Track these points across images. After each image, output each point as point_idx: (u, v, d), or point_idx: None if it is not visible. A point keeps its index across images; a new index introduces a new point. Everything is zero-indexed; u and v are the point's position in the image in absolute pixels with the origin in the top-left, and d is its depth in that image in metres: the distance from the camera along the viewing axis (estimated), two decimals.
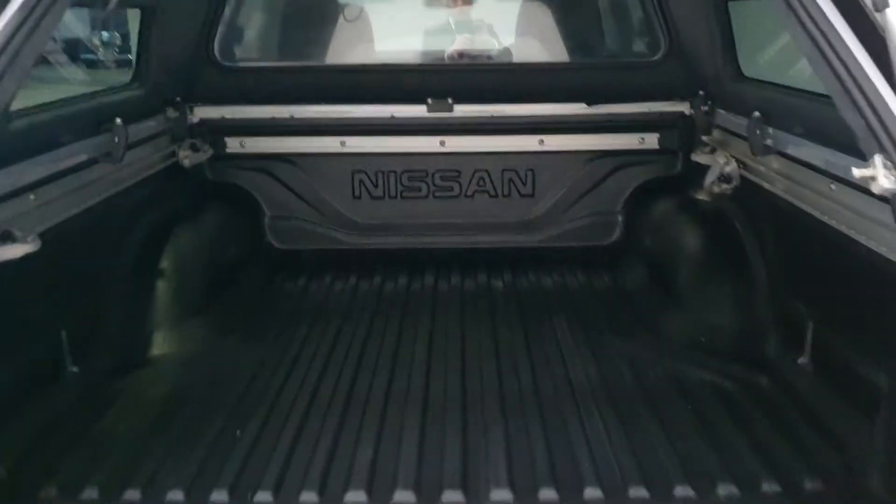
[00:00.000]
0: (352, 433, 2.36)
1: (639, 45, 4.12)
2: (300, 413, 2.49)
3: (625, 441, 2.30)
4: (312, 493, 2.08)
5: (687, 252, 3.31)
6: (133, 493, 2.07)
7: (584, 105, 3.65)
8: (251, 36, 4.18)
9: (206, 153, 3.65)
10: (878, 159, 1.78)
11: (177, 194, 3.46)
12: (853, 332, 2.31)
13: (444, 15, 4.34)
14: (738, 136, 3.06)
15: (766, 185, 2.83)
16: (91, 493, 2.08)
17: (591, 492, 2.07)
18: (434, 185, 3.81)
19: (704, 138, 3.44)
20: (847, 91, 1.79)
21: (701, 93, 3.48)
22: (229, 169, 3.78)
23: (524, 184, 3.82)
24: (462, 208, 3.82)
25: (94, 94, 3.11)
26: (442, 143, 3.76)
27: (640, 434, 2.33)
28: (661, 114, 3.67)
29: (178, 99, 3.52)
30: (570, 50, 4.09)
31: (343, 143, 3.75)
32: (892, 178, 1.76)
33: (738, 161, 3.10)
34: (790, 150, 2.61)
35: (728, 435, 2.33)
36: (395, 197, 3.81)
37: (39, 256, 2.08)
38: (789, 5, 1.90)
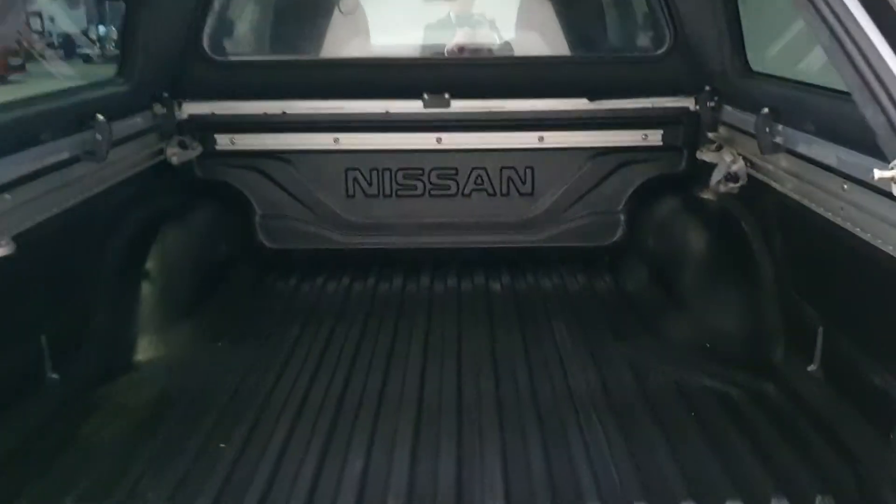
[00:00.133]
0: (342, 441, 2.29)
1: (643, 39, 4.04)
2: (289, 420, 2.42)
3: (625, 451, 2.22)
4: None
5: (691, 253, 3.22)
6: None
7: (585, 100, 3.57)
8: (242, 29, 4.09)
9: (195, 150, 3.57)
10: None
11: (164, 193, 3.37)
12: (865, 338, 2.24)
13: (442, 8, 4.25)
14: (746, 133, 2.97)
15: (775, 185, 2.75)
16: None
17: None
18: (430, 183, 3.73)
19: (710, 135, 3.36)
20: (868, 86, 1.69)
21: (707, 88, 3.39)
22: (219, 166, 3.69)
23: (523, 182, 3.73)
24: (459, 207, 3.73)
25: (76, 90, 3.01)
26: (438, 140, 3.67)
27: (642, 444, 2.26)
28: (666, 110, 3.59)
29: (166, 94, 3.43)
30: (572, 43, 4.02)
31: (336, 140, 3.66)
32: None
33: (745, 159, 3.02)
34: (800, 149, 2.53)
35: (734, 446, 2.26)
36: (390, 195, 3.72)
37: (17, 259, 2.01)
38: None
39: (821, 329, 2.46)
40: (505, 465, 2.16)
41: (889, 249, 1.98)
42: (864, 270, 2.18)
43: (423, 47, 4.19)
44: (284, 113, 3.59)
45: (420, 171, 3.72)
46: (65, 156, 2.59)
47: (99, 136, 2.71)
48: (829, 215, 2.33)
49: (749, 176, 3.00)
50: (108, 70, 3.39)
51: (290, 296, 3.51)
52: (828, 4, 1.73)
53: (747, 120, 2.92)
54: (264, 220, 3.74)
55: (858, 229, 2.16)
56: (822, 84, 2.53)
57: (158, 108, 3.40)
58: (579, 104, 3.57)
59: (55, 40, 21.67)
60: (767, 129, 2.67)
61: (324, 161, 3.70)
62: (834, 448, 2.20)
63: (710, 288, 3.05)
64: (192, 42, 3.60)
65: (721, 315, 2.93)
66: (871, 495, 2.00)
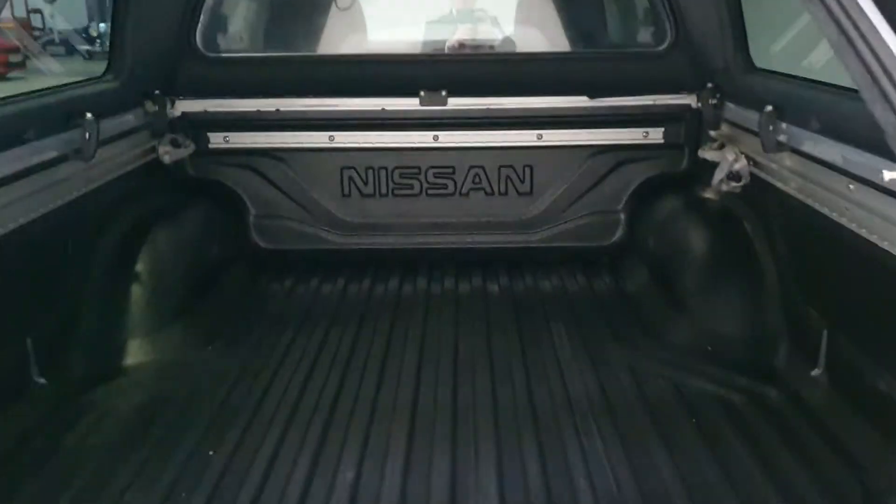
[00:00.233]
0: (334, 449, 2.24)
1: (644, 34, 3.97)
2: (280, 427, 2.37)
3: (624, 459, 2.17)
4: None
5: (692, 254, 3.16)
6: None
7: (585, 97, 3.51)
8: (235, 24, 4.03)
9: (188, 149, 3.51)
10: None
11: (156, 192, 3.31)
12: (871, 341, 2.18)
13: (440, 4, 4.19)
14: (749, 131, 2.91)
15: (778, 184, 2.69)
16: None
17: None
18: (427, 182, 3.66)
19: (712, 133, 3.30)
20: (877, 83, 1.62)
21: (709, 85, 3.33)
22: (212, 165, 3.63)
23: (522, 181, 3.67)
24: (456, 207, 3.67)
25: (63, 87, 2.94)
26: (435, 138, 3.60)
27: (641, 452, 2.20)
28: (667, 107, 3.52)
29: (158, 92, 3.36)
30: (572, 40, 3.97)
31: (332, 138, 3.60)
32: None
33: (748, 158, 2.96)
34: (805, 147, 2.47)
35: (735, 454, 2.20)
36: (386, 195, 3.66)
37: (1, 261, 1.94)
38: None
39: (825, 332, 2.40)
40: (500, 473, 2.11)
41: None
42: (869, 272, 2.12)
43: (420, 43, 4.13)
44: (279, 110, 3.53)
45: (417, 170, 3.65)
46: (51, 155, 2.54)
47: (87, 135, 2.65)
48: (833, 216, 2.27)
49: (752, 175, 2.94)
50: None
51: (284, 298, 3.45)
52: None
53: (750, 117, 2.86)
54: (258, 219, 3.68)
55: (864, 230, 2.11)
56: (827, 81, 2.48)
57: (150, 106, 3.34)
58: (579, 101, 3.51)
59: (56, 37, 21.68)
60: (771, 127, 2.61)
61: (319, 159, 3.63)
62: (838, 455, 2.15)
63: (712, 290, 2.99)
64: (185, 38, 3.53)
65: (723, 318, 2.88)
66: None
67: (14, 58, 17.41)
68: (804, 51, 3.29)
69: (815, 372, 2.43)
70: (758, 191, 2.89)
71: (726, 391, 2.53)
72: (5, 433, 2.24)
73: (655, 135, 3.58)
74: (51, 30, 22.25)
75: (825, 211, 2.33)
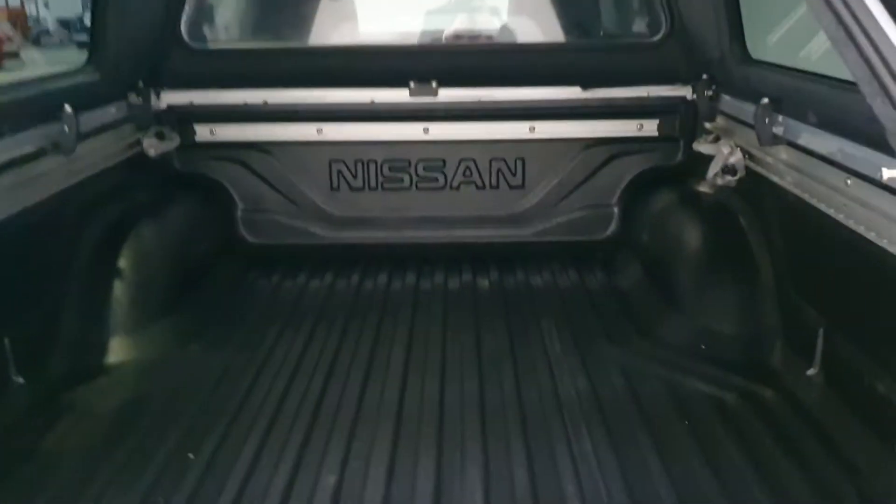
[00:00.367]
0: (316, 453, 2.18)
1: (638, 25, 3.92)
2: (262, 429, 2.31)
3: (615, 463, 2.12)
4: None
5: (686, 250, 3.10)
6: None
7: (578, 89, 3.44)
8: (222, 15, 3.96)
9: (174, 142, 3.44)
10: None
11: (140, 187, 3.24)
12: (868, 340, 2.13)
13: None
14: (745, 123, 2.86)
15: (774, 178, 2.64)
16: None
17: None
18: (417, 175, 3.60)
19: (708, 125, 3.25)
20: (876, 76, 1.56)
21: (704, 76, 3.28)
22: (198, 158, 3.57)
23: (514, 174, 3.61)
24: (447, 200, 3.61)
25: (42, 79, 2.87)
26: (425, 131, 3.54)
27: (632, 456, 2.15)
28: (662, 99, 3.46)
29: (142, 84, 3.29)
30: (565, 30, 3.89)
31: (320, 131, 3.53)
32: None
33: (743, 151, 2.90)
34: (801, 141, 2.42)
35: (729, 456, 2.15)
36: (376, 188, 3.60)
37: None
38: None
39: (821, 330, 2.36)
40: (487, 479, 2.06)
41: (894, 250, 1.87)
42: (866, 270, 2.07)
43: (410, 34, 4.05)
44: (266, 103, 3.47)
45: (406, 163, 3.59)
46: (29, 149, 2.47)
47: (65, 128, 2.58)
48: (830, 211, 2.22)
49: (748, 169, 2.89)
50: None
51: (270, 294, 3.39)
52: None
53: (746, 110, 2.81)
54: (246, 214, 3.62)
55: (862, 227, 2.06)
56: (825, 73, 2.42)
57: (134, 98, 3.27)
58: (572, 93, 3.44)
59: (49, 28, 21.56)
60: (767, 120, 2.56)
61: (307, 152, 3.57)
62: (834, 458, 2.10)
63: (706, 286, 2.93)
64: (170, 29, 3.46)
65: (717, 315, 2.83)
66: None
67: (8, 47, 17.28)
68: (802, 42, 3.23)
69: (811, 371, 2.39)
70: (753, 185, 2.84)
71: (720, 391, 2.49)
72: None
73: (650, 127, 3.52)
74: (45, 20, 22.12)
75: (822, 206, 2.27)
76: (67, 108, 2.59)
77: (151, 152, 3.32)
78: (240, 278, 3.50)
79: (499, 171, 3.61)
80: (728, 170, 2.93)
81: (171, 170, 3.51)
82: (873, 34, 1.56)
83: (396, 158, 3.58)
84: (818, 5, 1.65)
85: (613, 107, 3.49)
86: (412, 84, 3.42)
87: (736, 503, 1.95)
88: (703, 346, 2.76)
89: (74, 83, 3.00)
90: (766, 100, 2.57)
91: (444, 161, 3.59)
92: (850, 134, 2.10)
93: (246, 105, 3.47)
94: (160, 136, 3.37)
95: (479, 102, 3.47)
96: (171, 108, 3.45)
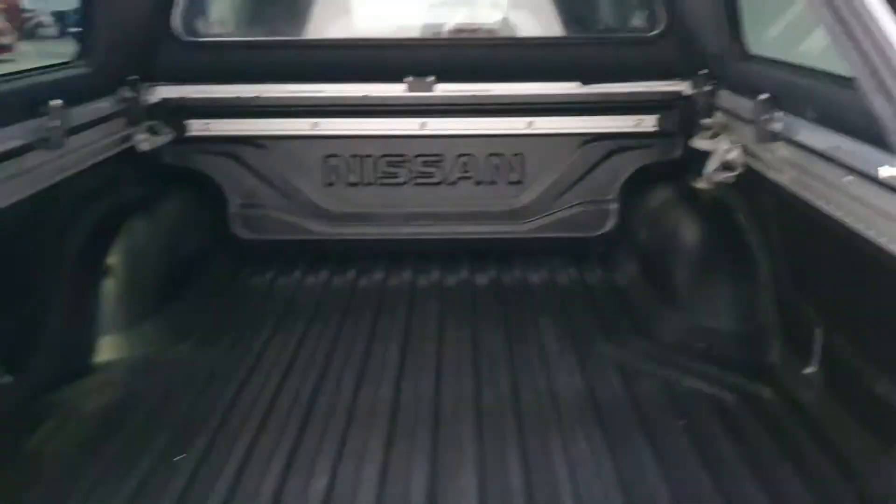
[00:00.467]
0: (307, 455, 2.15)
1: (637, 19, 3.88)
2: (252, 430, 2.28)
3: (611, 465, 2.10)
4: None
5: (684, 246, 3.07)
6: None
7: (576, 84, 3.41)
8: (215, 7, 3.90)
9: (167, 136, 3.40)
10: None
11: (132, 182, 3.21)
12: (867, 340, 2.11)
13: None
14: (743, 119, 2.82)
15: (772, 175, 2.61)
16: None
17: None
18: (414, 170, 3.57)
19: (706, 121, 3.20)
20: (875, 73, 1.52)
21: (703, 71, 3.25)
22: (192, 153, 3.53)
23: (512, 169, 3.58)
24: (444, 196, 3.58)
25: (31, 72, 2.83)
26: (423, 126, 3.51)
27: (628, 458, 2.12)
28: (660, 94, 3.44)
29: (134, 77, 3.25)
30: (563, 24, 3.84)
31: (315, 125, 3.50)
32: None
33: (741, 147, 2.87)
34: (800, 137, 2.39)
35: (726, 458, 2.13)
36: (372, 183, 3.57)
37: None
38: None
39: (819, 329, 2.33)
40: (481, 482, 2.03)
41: (894, 249, 1.84)
42: (865, 268, 2.04)
43: (406, 28, 4.01)
44: (260, 97, 3.43)
45: (403, 158, 3.56)
46: (16, 144, 2.43)
47: (54, 122, 2.54)
48: (829, 209, 2.19)
49: (746, 165, 2.85)
50: None
51: (265, 291, 3.36)
52: None
53: (745, 105, 2.78)
54: (239, 209, 3.59)
55: (861, 225, 2.02)
56: (824, 69, 2.38)
57: (125, 92, 3.23)
58: (570, 88, 3.42)
59: (46, 20, 21.41)
60: (765, 116, 2.53)
61: (302, 147, 3.54)
62: (832, 458, 2.08)
63: (703, 284, 2.91)
64: (162, 22, 3.42)
65: (714, 313, 2.81)
66: None
67: (2, 40, 17.17)
68: (801, 37, 3.19)
69: (809, 370, 2.36)
70: (751, 181, 2.81)
71: (718, 390, 2.47)
72: None
73: (648, 122, 3.50)
74: (41, 12, 21.98)
75: (820, 204, 2.24)
76: (56, 101, 2.55)
77: (144, 147, 3.27)
78: (233, 275, 3.47)
79: (497, 166, 3.58)
80: (726, 166, 2.91)
81: (163, 165, 3.47)
82: (872, 30, 1.53)
83: (393, 153, 3.55)
84: (817, 1, 1.62)
85: (611, 102, 3.46)
86: (409, 78, 3.39)
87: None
88: (701, 345, 2.74)
89: (64, 76, 2.96)
90: (764, 95, 2.54)
91: (441, 156, 3.56)
92: (848, 131, 2.07)
93: (239, 99, 3.43)
94: (152, 131, 3.33)
95: (477, 97, 3.44)
96: (164, 102, 3.41)
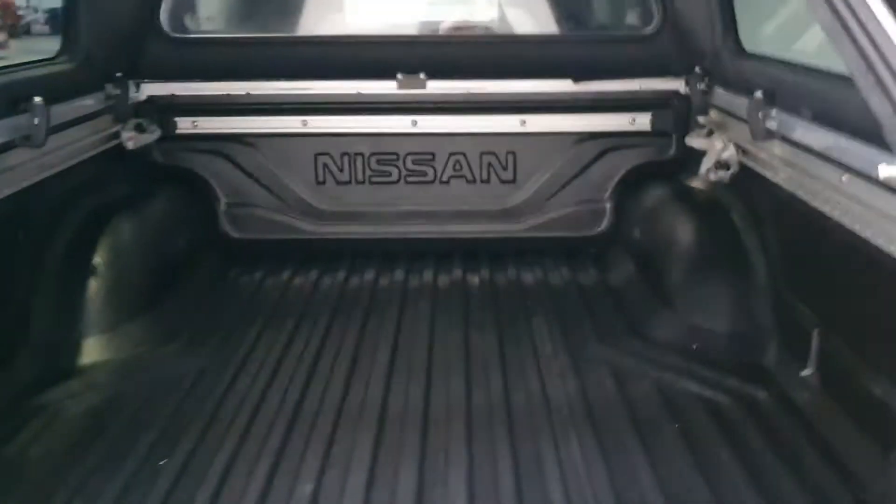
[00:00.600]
0: (293, 460, 2.11)
1: (630, 17, 3.85)
2: (237, 433, 2.23)
3: (602, 467, 2.06)
4: None
5: (679, 247, 3.04)
6: None
7: (570, 82, 3.37)
8: (204, 3, 3.85)
9: (154, 134, 3.35)
10: None
11: (118, 180, 3.16)
12: (863, 341, 2.08)
13: None
14: (738, 117, 2.80)
15: (768, 174, 2.58)
16: None
17: None
18: (406, 169, 3.53)
19: (700, 119, 3.18)
20: (872, 70, 1.49)
21: (697, 69, 3.22)
22: (180, 151, 3.48)
23: (504, 168, 3.54)
24: (436, 195, 3.54)
25: (12, 69, 2.78)
26: (414, 123, 3.46)
27: (622, 463, 2.08)
28: (654, 92, 3.40)
29: (120, 74, 3.20)
30: (556, 21, 3.80)
31: (305, 123, 3.45)
32: None
33: (736, 146, 2.84)
34: (796, 135, 2.36)
35: (722, 461, 2.09)
36: (363, 182, 3.52)
37: None
38: None
39: (816, 331, 2.30)
40: (471, 487, 1.99)
41: (892, 250, 1.81)
42: (862, 269, 2.01)
43: (398, 24, 3.97)
44: (249, 94, 3.39)
45: (395, 157, 3.52)
46: None
47: (35, 120, 2.50)
48: (825, 209, 2.16)
49: (741, 164, 2.82)
50: None
51: (253, 291, 3.31)
52: None
53: (739, 103, 2.75)
54: (229, 208, 3.54)
55: (858, 225, 1.99)
56: (820, 66, 2.35)
57: (112, 89, 3.18)
58: (563, 86, 3.38)
59: (39, 16, 21.31)
60: (760, 114, 2.50)
61: (292, 145, 3.49)
62: (829, 461, 2.05)
63: (698, 284, 2.87)
64: (148, 18, 3.37)
65: (709, 314, 2.77)
66: None
67: None
68: (796, 34, 3.16)
69: (805, 372, 2.33)
70: (747, 180, 2.78)
71: (713, 392, 2.43)
72: None
73: (642, 121, 3.46)
74: (35, 9, 21.86)
75: (816, 203, 2.21)
76: (37, 99, 2.51)
77: (130, 145, 3.23)
78: (221, 275, 3.42)
79: (489, 164, 3.54)
80: (721, 165, 2.88)
81: (151, 163, 3.43)
82: (870, 26, 1.49)
83: (384, 151, 3.51)
84: None
85: (605, 100, 3.42)
86: (400, 76, 3.35)
87: None
88: (695, 346, 2.70)
89: (47, 73, 2.91)
90: (759, 93, 2.51)
91: (433, 154, 3.52)
92: (845, 129, 2.04)
93: (228, 96, 3.39)
94: (140, 129, 3.28)
95: (469, 95, 3.41)
96: (151, 100, 3.37)
